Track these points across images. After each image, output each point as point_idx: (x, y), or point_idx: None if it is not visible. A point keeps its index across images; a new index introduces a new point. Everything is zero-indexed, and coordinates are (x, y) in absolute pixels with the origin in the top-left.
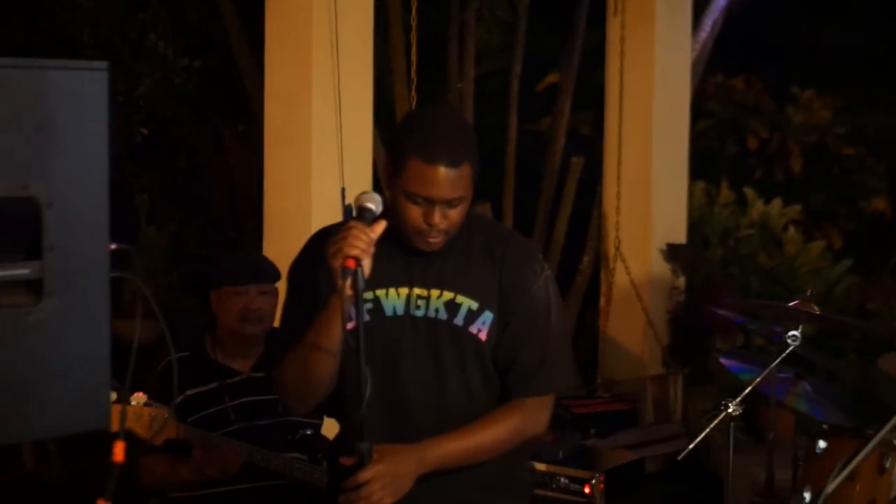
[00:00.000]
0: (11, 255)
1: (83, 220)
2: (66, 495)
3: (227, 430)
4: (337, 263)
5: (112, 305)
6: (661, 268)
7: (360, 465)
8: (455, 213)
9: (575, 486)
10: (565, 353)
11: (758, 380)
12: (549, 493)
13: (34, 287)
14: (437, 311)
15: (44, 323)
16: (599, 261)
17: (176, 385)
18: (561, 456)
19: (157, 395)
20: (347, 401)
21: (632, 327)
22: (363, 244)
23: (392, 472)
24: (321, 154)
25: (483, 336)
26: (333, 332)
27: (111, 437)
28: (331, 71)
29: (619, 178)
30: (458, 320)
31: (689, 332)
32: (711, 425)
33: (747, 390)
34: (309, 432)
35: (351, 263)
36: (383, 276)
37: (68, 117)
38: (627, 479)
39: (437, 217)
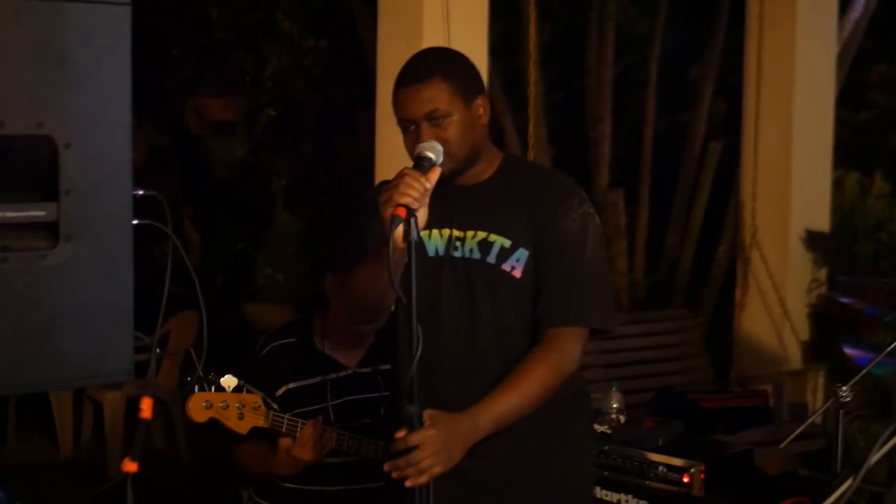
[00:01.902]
0: (28, 196)
1: (103, 162)
2: (192, 474)
3: None
4: (388, 212)
5: (244, 291)
6: (800, 258)
7: (410, 429)
8: (447, 133)
9: (673, 476)
10: (600, 291)
11: (870, 365)
12: (647, 482)
13: (50, 230)
14: (471, 250)
15: (60, 268)
16: (737, 250)
17: (203, 362)
18: (661, 443)
19: (255, 382)
20: (399, 361)
21: (769, 320)
22: (416, 192)
23: (443, 440)
24: None
25: (517, 273)
26: (381, 279)
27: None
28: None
29: (755, 162)
30: (491, 258)
31: (832, 326)
32: (819, 410)
33: (858, 376)
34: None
35: (401, 212)
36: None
37: (87, 54)
38: (732, 471)
39: (424, 136)
